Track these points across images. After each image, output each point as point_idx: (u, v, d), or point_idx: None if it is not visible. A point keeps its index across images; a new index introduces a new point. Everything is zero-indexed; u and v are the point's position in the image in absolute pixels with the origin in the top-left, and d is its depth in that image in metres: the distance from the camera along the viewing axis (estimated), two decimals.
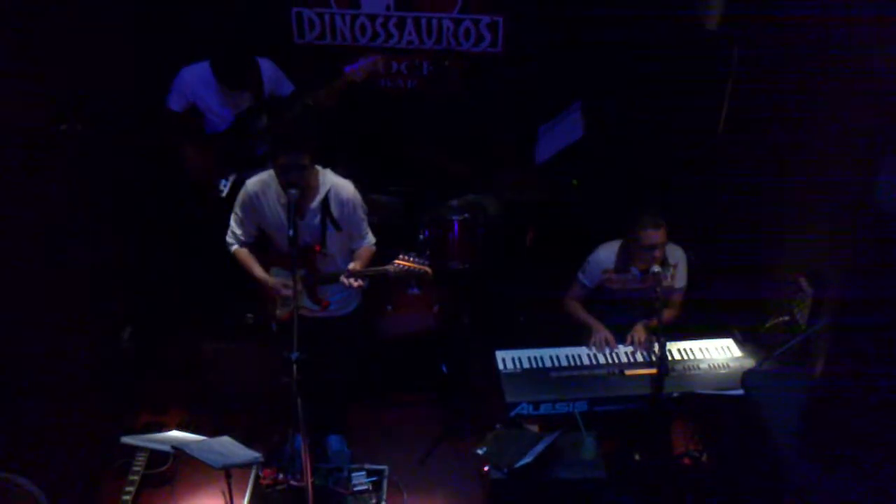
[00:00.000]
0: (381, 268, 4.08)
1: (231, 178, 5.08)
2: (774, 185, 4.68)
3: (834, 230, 4.12)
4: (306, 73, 4.98)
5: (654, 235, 4.37)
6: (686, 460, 4.69)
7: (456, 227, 5.15)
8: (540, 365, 4.48)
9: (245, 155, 5.13)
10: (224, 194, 5.05)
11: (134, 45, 5.19)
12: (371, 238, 4.27)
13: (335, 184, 4.08)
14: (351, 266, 4.08)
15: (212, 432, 4.35)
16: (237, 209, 4.18)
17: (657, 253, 4.39)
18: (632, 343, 4.60)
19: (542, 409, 4.28)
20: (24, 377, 3.82)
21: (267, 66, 5.08)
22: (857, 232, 3.86)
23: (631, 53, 5.62)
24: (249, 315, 4.83)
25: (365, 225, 4.24)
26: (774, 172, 4.67)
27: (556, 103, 5.81)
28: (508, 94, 6.02)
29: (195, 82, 4.99)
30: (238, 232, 4.21)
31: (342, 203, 4.07)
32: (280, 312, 4.26)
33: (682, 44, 5.36)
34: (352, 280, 3.98)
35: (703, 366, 4.49)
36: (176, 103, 5.04)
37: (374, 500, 4.45)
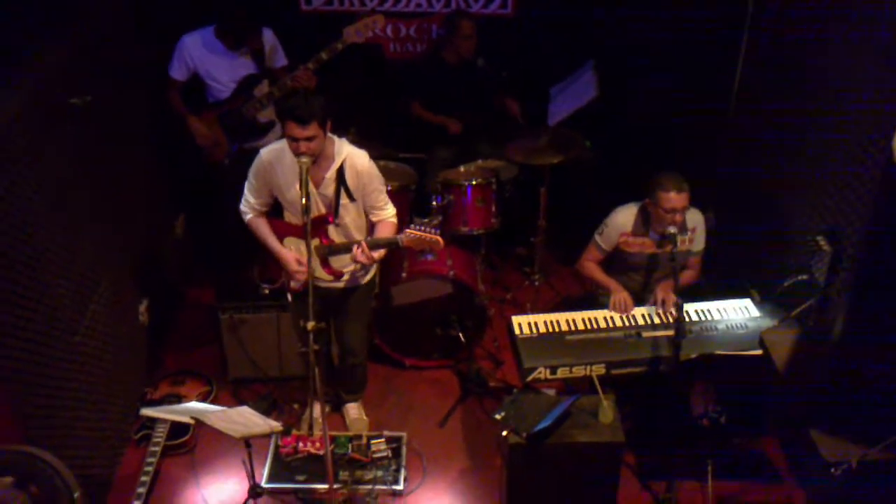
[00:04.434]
0: (391, 238, 4.07)
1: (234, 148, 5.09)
2: (792, 142, 4.61)
3: (852, 188, 4.07)
4: (313, 41, 4.92)
5: (677, 199, 4.30)
6: (705, 422, 4.68)
7: (469, 192, 5.12)
8: (556, 329, 4.46)
9: (247, 123, 5.10)
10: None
11: (143, 15, 5.15)
12: (391, 209, 4.22)
13: (351, 153, 4.05)
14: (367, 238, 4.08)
15: (231, 402, 4.39)
16: (251, 177, 4.16)
17: (678, 217, 4.34)
18: (655, 303, 4.56)
19: (560, 374, 4.27)
20: (42, 352, 3.84)
21: (268, 35, 5.04)
22: (876, 189, 3.81)
23: (643, 12, 5.54)
24: (265, 285, 4.84)
25: (383, 196, 4.19)
26: (792, 130, 4.61)
27: (567, 64, 5.75)
28: (519, 56, 5.96)
29: (197, 49, 4.96)
30: (252, 201, 4.20)
31: (357, 173, 4.04)
32: (294, 284, 4.26)
33: (696, 1, 5.27)
34: (363, 252, 3.96)
35: (721, 326, 4.46)
36: (178, 71, 5.02)
37: (393, 467, 4.48)
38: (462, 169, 5.39)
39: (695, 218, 4.59)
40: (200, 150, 5.17)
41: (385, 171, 4.47)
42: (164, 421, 4.60)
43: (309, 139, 3.77)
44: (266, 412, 4.24)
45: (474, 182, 5.13)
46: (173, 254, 5.65)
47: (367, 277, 4.42)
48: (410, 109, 5.81)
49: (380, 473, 4.45)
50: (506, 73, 5.67)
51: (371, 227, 4.27)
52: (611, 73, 5.46)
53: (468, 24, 5.54)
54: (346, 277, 4.30)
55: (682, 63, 5.44)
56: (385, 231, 4.18)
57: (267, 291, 4.74)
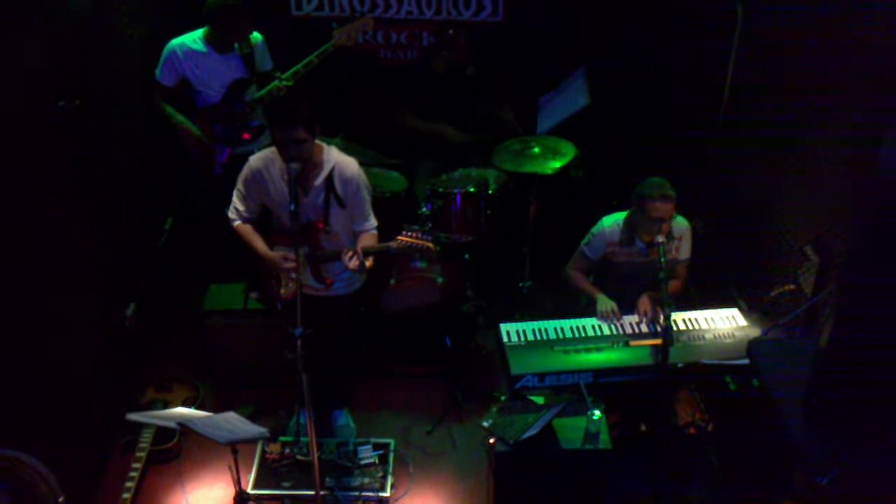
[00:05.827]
0: (383, 244, 4.05)
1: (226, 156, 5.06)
2: (779, 152, 4.64)
3: (839, 198, 4.09)
4: (303, 46, 4.92)
5: (664, 208, 4.31)
6: (692, 430, 4.69)
7: (458, 199, 5.12)
8: (544, 337, 4.46)
9: (238, 128, 5.08)
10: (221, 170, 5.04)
11: (134, 20, 5.14)
12: (373, 221, 4.21)
13: (339, 160, 4.05)
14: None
15: (217, 408, 4.37)
16: (240, 185, 4.15)
17: (665, 226, 4.35)
18: (638, 314, 4.57)
19: (547, 381, 4.27)
20: (29, 355, 3.81)
21: (257, 39, 5.02)
22: (862, 199, 3.83)
23: (633, 19, 5.56)
24: (253, 293, 4.84)
25: (368, 206, 4.17)
26: (779, 139, 4.63)
27: (557, 72, 5.76)
28: (509, 64, 5.98)
29: (185, 54, 4.91)
30: (241, 208, 4.18)
31: (346, 180, 4.03)
32: (284, 291, 4.25)
33: (686, 8, 5.29)
34: (353, 259, 3.94)
35: (709, 335, 4.47)
36: (167, 77, 4.95)
37: (380, 474, 4.47)
38: (451, 176, 5.38)
39: (681, 226, 4.60)
40: (190, 156, 5.14)
41: (374, 178, 4.47)
42: (150, 426, 4.58)
43: (298, 144, 3.77)
44: (252, 418, 4.23)
45: (463, 190, 5.13)
46: (162, 259, 5.63)
47: (357, 285, 4.41)
48: (401, 119, 5.78)
49: (367, 480, 4.44)
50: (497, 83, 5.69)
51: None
52: (600, 81, 5.47)
53: None
54: (336, 286, 4.29)
55: (672, 72, 5.47)
56: (365, 242, 4.14)
57: (255, 298, 4.74)
